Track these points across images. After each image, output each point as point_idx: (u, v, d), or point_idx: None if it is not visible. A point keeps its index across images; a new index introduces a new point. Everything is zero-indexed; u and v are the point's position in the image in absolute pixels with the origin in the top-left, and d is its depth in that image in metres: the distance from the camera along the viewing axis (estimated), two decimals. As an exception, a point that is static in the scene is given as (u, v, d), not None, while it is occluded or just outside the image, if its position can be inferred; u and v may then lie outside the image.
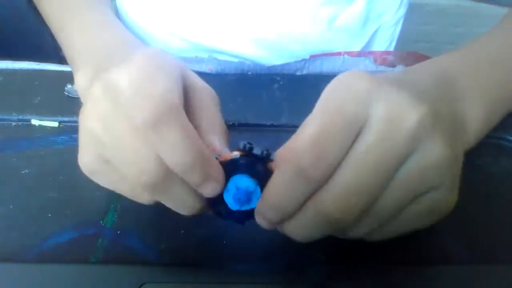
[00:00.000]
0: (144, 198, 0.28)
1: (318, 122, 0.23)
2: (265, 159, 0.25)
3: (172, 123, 0.24)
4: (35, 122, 0.42)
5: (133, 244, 0.33)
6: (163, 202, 0.28)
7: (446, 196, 0.26)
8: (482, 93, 0.34)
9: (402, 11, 0.61)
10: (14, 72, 0.48)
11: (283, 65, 0.50)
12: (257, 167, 0.26)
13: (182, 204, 0.27)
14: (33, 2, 0.50)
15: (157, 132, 0.24)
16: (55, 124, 0.42)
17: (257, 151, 0.26)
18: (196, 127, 0.27)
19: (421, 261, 0.33)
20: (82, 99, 0.38)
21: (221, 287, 0.30)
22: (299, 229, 0.26)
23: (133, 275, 0.30)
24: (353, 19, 0.56)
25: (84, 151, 0.28)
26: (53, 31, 0.47)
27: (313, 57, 0.51)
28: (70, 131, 0.42)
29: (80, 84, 0.36)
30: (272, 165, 0.26)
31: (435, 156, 0.23)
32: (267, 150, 0.26)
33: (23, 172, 0.38)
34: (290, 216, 0.25)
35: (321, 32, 0.55)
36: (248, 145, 0.25)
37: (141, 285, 0.30)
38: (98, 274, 0.31)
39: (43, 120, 0.42)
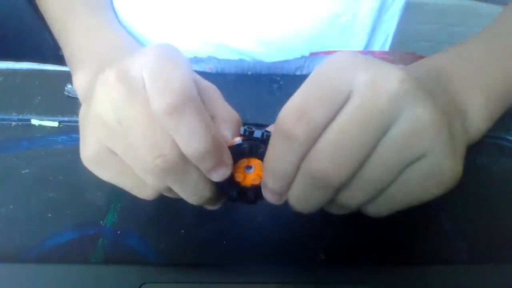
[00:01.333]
0: (148, 191, 0.28)
1: (303, 89, 0.25)
2: (266, 140, 0.26)
3: (191, 110, 0.25)
4: (35, 122, 0.42)
5: (133, 244, 0.33)
6: (175, 189, 0.27)
7: (442, 163, 0.25)
8: (482, 88, 0.34)
9: (399, 4, 0.61)
10: (14, 72, 0.48)
11: (282, 62, 0.50)
12: (260, 149, 0.27)
13: (192, 190, 0.27)
14: (34, 2, 0.50)
15: (177, 119, 0.24)
16: (55, 124, 0.42)
17: (257, 134, 0.27)
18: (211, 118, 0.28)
19: (421, 261, 0.33)
20: (81, 98, 0.37)
21: (221, 287, 0.30)
22: (296, 196, 0.26)
23: (133, 275, 0.30)
24: (360, 16, 0.56)
25: (89, 142, 0.27)
26: (54, 32, 0.47)
27: (313, 54, 0.51)
28: (70, 131, 0.42)
29: (79, 84, 0.36)
30: None
31: (420, 119, 0.24)
32: (267, 131, 0.27)
33: (23, 172, 0.38)
34: (288, 183, 0.26)
35: (322, 29, 0.55)
36: (248, 130, 0.27)
37: (141, 285, 0.30)
38: (98, 274, 0.31)
39: (43, 120, 0.42)
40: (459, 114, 0.31)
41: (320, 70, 0.25)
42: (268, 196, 0.27)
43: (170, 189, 0.28)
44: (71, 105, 0.43)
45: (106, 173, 0.29)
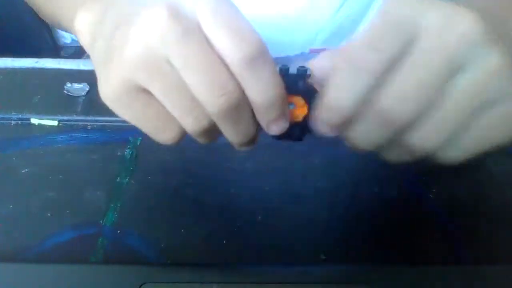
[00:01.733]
0: (172, 134, 0.28)
1: (374, 23, 0.24)
2: (303, 75, 0.27)
3: (266, 62, 0.25)
4: (34, 121, 0.42)
5: (133, 243, 0.33)
6: (226, 129, 0.27)
7: None
8: None
9: None
10: (13, 71, 0.48)
11: (282, 59, 0.50)
12: (298, 84, 0.27)
13: (244, 131, 0.27)
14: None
15: (253, 69, 0.24)
16: (55, 123, 0.42)
17: (292, 70, 0.27)
18: None
19: (421, 261, 0.33)
20: (87, 41, 0.32)
21: (221, 287, 0.30)
22: (357, 132, 0.26)
23: (133, 275, 0.30)
24: (357, 8, 0.55)
25: (116, 80, 0.26)
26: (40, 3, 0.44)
27: (313, 52, 0.51)
28: (70, 130, 0.42)
29: (84, 25, 0.32)
30: (310, 80, 0.27)
31: (494, 64, 0.24)
32: (303, 67, 0.27)
33: (22, 171, 0.38)
34: (349, 116, 0.26)
35: (324, 22, 0.55)
36: (284, 67, 0.27)
37: (141, 285, 0.30)
38: (98, 274, 0.31)
39: (42, 119, 0.42)
40: None
41: (390, 4, 0.25)
42: (323, 128, 0.27)
43: (204, 132, 0.27)
44: (71, 104, 0.43)
45: (129, 113, 0.27)
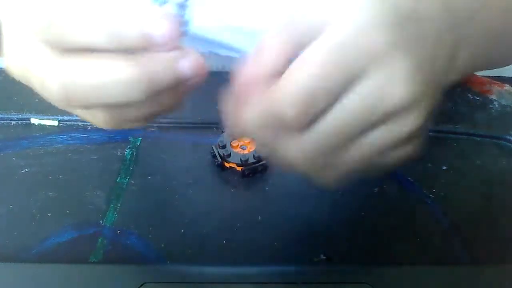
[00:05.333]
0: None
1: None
2: None
3: None
4: (34, 121, 0.42)
5: (133, 243, 0.33)
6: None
7: (410, 127, 0.24)
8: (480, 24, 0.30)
9: None
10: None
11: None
12: None
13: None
14: None
15: None
16: (55, 123, 0.42)
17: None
18: None
19: (421, 261, 0.33)
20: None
21: (221, 286, 0.30)
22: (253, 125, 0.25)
23: (133, 275, 0.30)
24: None
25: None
26: None
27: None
28: (70, 130, 0.42)
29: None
30: None
31: (392, 77, 0.22)
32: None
33: (22, 171, 0.38)
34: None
35: None
36: None
37: (141, 285, 0.30)
38: (98, 274, 0.31)
39: (42, 119, 0.42)
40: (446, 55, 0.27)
41: (293, 10, 0.24)
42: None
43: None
44: (71, 104, 0.43)
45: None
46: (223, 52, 0.52)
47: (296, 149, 0.24)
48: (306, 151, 0.24)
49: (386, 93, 0.22)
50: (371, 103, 0.22)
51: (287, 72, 0.23)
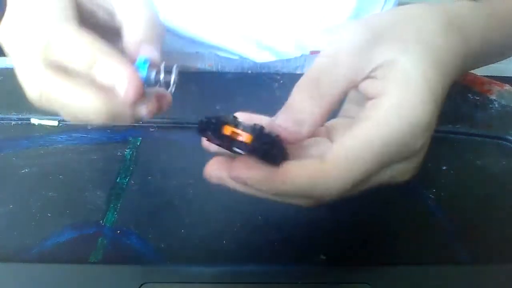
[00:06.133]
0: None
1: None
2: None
3: None
4: (34, 121, 0.42)
5: (133, 243, 0.33)
6: None
7: None
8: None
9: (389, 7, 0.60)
10: (14, 71, 0.47)
11: (283, 61, 0.50)
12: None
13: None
14: None
15: None
16: (55, 123, 0.42)
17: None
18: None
19: (421, 261, 0.33)
20: None
21: (221, 286, 0.30)
22: None
23: (133, 275, 0.30)
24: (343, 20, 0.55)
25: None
26: None
27: (314, 53, 0.51)
28: (70, 130, 0.42)
29: None
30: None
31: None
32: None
33: (22, 171, 0.38)
34: None
35: (316, 34, 0.55)
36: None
37: (141, 285, 0.30)
38: (98, 274, 0.31)
39: (42, 119, 0.42)
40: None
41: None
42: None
43: None
44: (71, 104, 0.43)
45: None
46: (223, 54, 0.52)
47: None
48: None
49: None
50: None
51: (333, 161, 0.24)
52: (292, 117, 0.24)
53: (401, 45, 0.24)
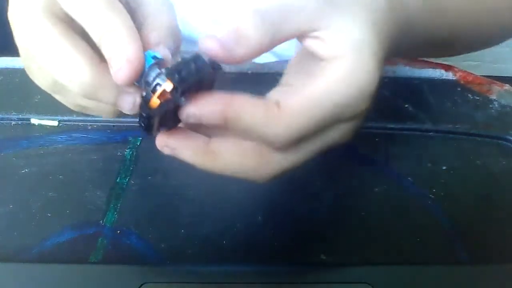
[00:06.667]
0: None
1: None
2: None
3: None
4: (34, 121, 0.42)
5: (133, 243, 0.33)
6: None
7: None
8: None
9: None
10: (13, 70, 0.47)
11: (283, 62, 0.50)
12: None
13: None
14: None
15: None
16: (55, 123, 0.42)
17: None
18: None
19: (421, 261, 0.33)
20: None
21: (221, 286, 0.30)
22: None
23: (133, 275, 0.30)
24: None
25: None
26: None
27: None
28: (70, 130, 0.42)
29: None
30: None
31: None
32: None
33: (22, 171, 0.38)
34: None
35: None
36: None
37: (141, 285, 0.30)
38: (98, 274, 0.31)
39: (42, 119, 0.42)
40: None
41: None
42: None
43: None
44: (71, 104, 0.43)
45: None
46: None
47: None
48: (284, 167, 0.28)
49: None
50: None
51: (289, 110, 0.25)
52: (234, 35, 0.25)
53: (352, 14, 0.27)
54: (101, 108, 0.29)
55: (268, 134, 0.25)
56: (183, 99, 0.24)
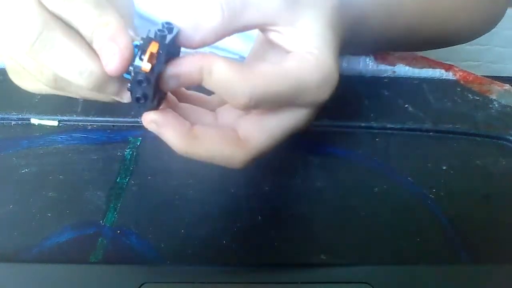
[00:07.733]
0: None
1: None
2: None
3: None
4: (34, 121, 0.42)
5: (133, 243, 0.33)
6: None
7: None
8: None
9: None
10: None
11: None
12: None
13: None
14: None
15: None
16: (55, 123, 0.42)
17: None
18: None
19: (421, 261, 0.33)
20: None
21: (221, 287, 0.30)
22: None
23: (133, 275, 0.30)
24: None
25: None
26: None
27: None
28: (70, 130, 0.42)
29: None
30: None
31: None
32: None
33: (22, 171, 0.38)
34: None
35: None
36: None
37: (141, 285, 0.30)
38: (98, 274, 0.31)
39: (42, 119, 0.42)
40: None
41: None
42: None
43: None
44: (71, 104, 0.43)
45: None
46: (222, 53, 0.52)
47: None
48: None
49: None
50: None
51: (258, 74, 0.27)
52: (192, 21, 0.26)
53: (313, 11, 0.29)
54: (100, 97, 0.29)
55: (237, 91, 0.26)
56: (165, 66, 0.26)
